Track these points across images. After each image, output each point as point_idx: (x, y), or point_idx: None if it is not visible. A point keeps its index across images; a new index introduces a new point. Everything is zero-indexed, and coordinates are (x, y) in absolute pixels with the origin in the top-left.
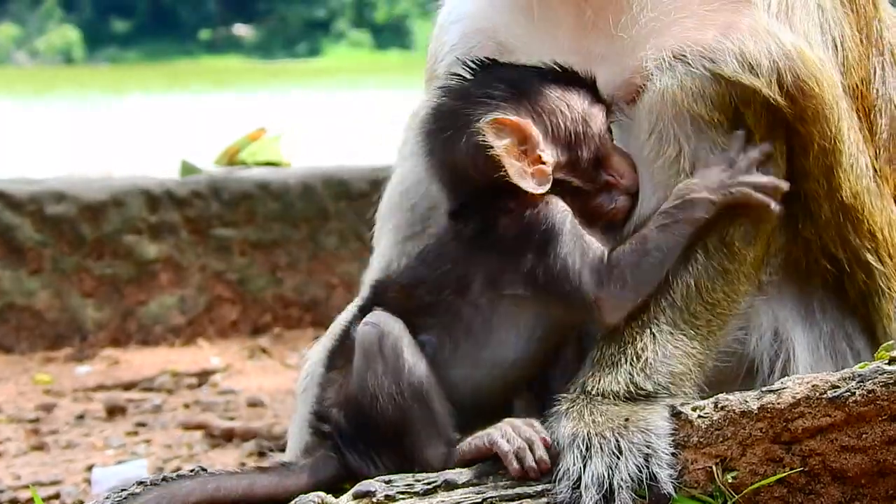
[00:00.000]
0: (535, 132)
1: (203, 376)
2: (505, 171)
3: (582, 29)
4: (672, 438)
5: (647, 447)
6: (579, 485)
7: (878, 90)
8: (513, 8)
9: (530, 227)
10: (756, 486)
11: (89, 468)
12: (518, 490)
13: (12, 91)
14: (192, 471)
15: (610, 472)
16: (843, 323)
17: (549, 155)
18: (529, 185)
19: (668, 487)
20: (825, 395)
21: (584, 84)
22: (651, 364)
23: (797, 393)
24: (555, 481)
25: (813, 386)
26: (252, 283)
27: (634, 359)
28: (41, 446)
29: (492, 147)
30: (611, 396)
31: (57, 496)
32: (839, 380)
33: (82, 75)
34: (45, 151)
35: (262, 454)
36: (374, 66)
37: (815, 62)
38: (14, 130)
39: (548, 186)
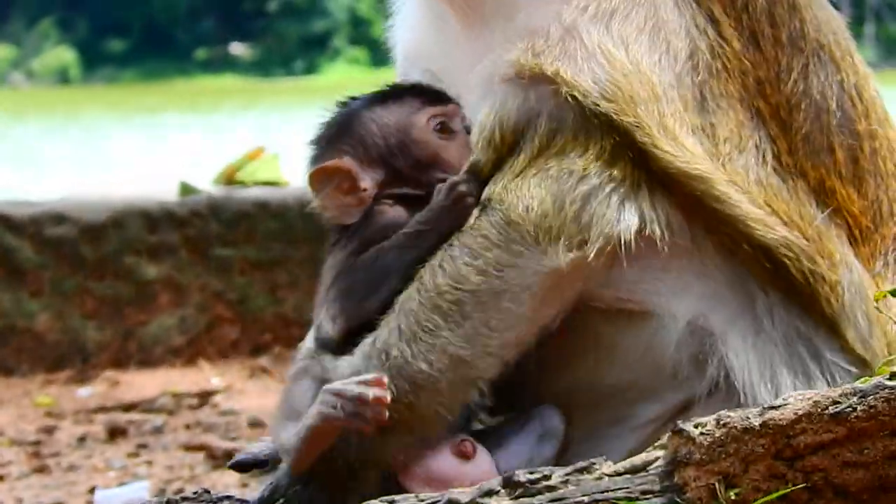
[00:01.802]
0: (351, 165)
1: (204, 397)
2: (328, 211)
3: (475, 39)
4: None
5: None
6: None
7: (793, 88)
8: (428, 31)
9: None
10: (759, 502)
11: (91, 490)
12: None
13: (8, 112)
14: (195, 493)
15: None
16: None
17: (369, 180)
18: (350, 219)
19: None
20: (826, 411)
21: (406, 95)
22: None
23: (799, 409)
24: None
25: (814, 402)
26: (252, 302)
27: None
28: (43, 469)
29: (318, 195)
30: None
31: None
32: (840, 395)
33: (79, 96)
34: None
35: (264, 474)
36: (372, 83)
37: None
38: (11, 152)
39: (360, 214)
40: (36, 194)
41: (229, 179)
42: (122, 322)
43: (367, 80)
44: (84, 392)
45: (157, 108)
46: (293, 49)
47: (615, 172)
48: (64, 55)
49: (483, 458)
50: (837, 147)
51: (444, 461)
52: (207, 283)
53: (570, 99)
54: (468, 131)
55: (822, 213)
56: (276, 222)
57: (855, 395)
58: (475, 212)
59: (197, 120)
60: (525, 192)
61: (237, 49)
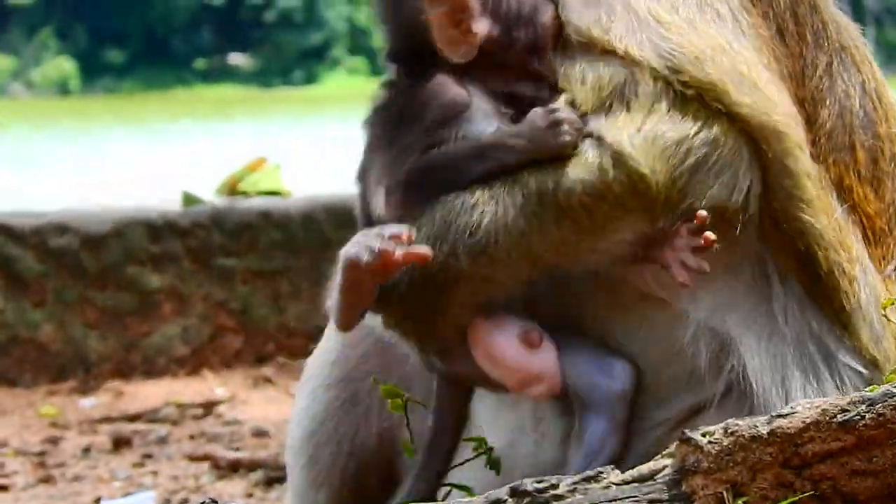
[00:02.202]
0: (473, 2)
1: (208, 407)
2: (434, 36)
3: None
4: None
5: None
6: None
7: (818, 84)
8: None
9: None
10: None
11: (97, 501)
12: None
13: (9, 123)
14: (201, 503)
15: None
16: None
17: (482, 27)
18: (451, 53)
19: None
20: (835, 420)
21: None
22: None
23: (807, 417)
24: None
25: (823, 410)
26: (255, 312)
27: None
28: (48, 479)
29: (426, 10)
30: None
31: None
32: (849, 403)
33: (79, 106)
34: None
35: (269, 484)
36: (372, 92)
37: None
38: (13, 162)
39: (468, 57)
40: (38, 204)
41: (231, 190)
42: (125, 332)
43: (367, 90)
44: (88, 403)
45: (156, 118)
46: (292, 59)
47: (714, 139)
48: (64, 65)
49: (549, 352)
50: (859, 146)
51: (509, 343)
52: (210, 293)
53: (648, 74)
54: None
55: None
56: (278, 232)
57: (863, 403)
58: (590, 149)
59: (197, 129)
60: (644, 153)
61: (236, 59)
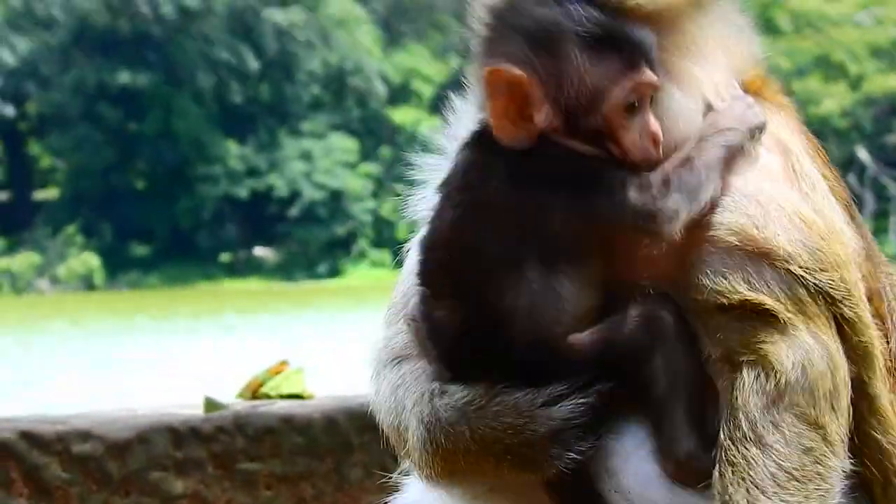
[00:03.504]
0: (535, 91)
1: None
2: (492, 123)
3: None
4: None
5: None
6: None
7: (889, 303)
8: None
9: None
10: None
11: None
12: None
13: (32, 320)
14: None
15: None
16: None
17: (543, 118)
18: (509, 140)
19: None
20: None
21: (625, 49)
22: None
23: None
24: None
25: None
26: None
27: None
28: None
29: (486, 96)
30: None
31: None
32: None
33: (103, 301)
34: (66, 383)
35: None
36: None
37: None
38: (33, 361)
39: (525, 145)
40: (62, 403)
41: (254, 394)
42: None
43: (392, 282)
44: None
45: (180, 313)
46: (316, 252)
47: (838, 347)
48: (88, 261)
49: None
50: None
51: None
52: (234, 498)
53: (794, 273)
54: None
55: None
56: (300, 436)
57: None
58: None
59: (221, 325)
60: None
61: (261, 253)
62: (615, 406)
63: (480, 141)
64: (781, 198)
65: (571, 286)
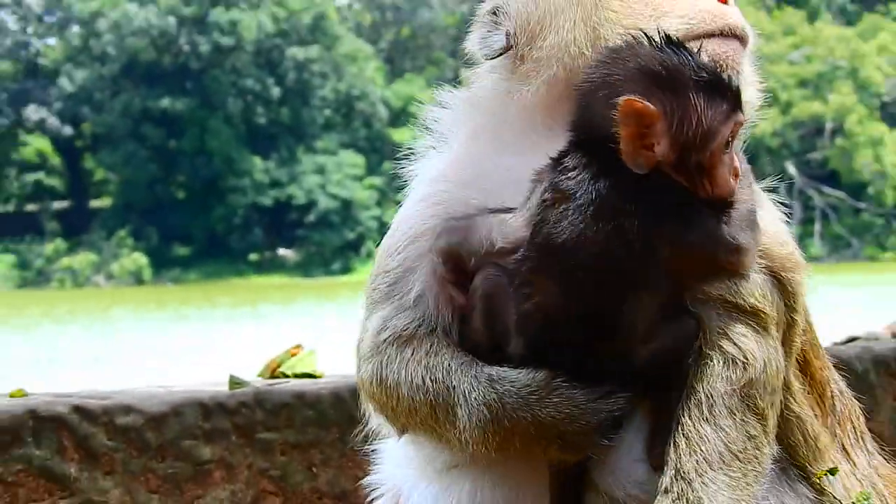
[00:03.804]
0: (660, 126)
1: None
2: (620, 142)
3: None
4: None
5: None
6: None
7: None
8: None
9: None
10: None
11: None
12: None
13: (90, 310)
14: None
15: None
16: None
17: (662, 150)
18: (631, 164)
19: None
20: None
21: (728, 95)
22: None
23: None
24: None
25: None
26: (292, 478)
27: None
28: None
29: (616, 122)
30: None
31: None
32: None
33: (150, 294)
34: (117, 362)
35: None
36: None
37: None
38: (92, 346)
39: (643, 171)
40: (112, 381)
41: (272, 373)
42: (181, 496)
43: None
44: None
45: (215, 305)
46: (330, 253)
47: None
48: (138, 260)
49: None
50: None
51: None
52: (254, 463)
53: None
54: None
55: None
56: (311, 410)
57: None
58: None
59: (248, 314)
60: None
61: (284, 253)
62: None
63: (599, 157)
64: (768, 217)
65: (652, 302)
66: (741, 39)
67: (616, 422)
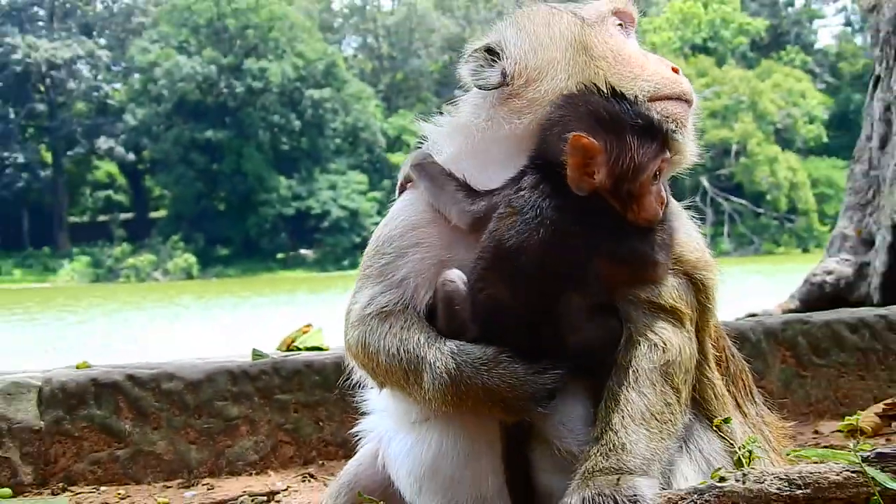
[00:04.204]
0: (600, 158)
1: (270, 496)
2: (566, 168)
3: None
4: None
5: (635, 495)
6: None
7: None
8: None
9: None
10: None
11: None
12: None
13: (150, 300)
14: None
15: None
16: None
17: (600, 178)
18: (575, 188)
19: None
20: None
21: (658, 138)
22: (632, 451)
23: (660, 502)
24: None
25: (668, 498)
26: (303, 430)
27: (620, 449)
28: None
29: (565, 153)
30: (606, 472)
31: None
32: (686, 493)
33: (198, 287)
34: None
35: None
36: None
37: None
38: (152, 328)
39: (584, 193)
40: (162, 355)
41: (287, 347)
42: (214, 446)
43: None
44: (189, 494)
45: (250, 294)
46: (341, 252)
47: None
48: (188, 259)
49: None
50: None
51: None
52: (272, 419)
53: (696, 279)
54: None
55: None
56: (318, 376)
57: (695, 493)
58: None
59: (276, 302)
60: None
61: (304, 252)
62: (568, 380)
63: (549, 180)
64: (684, 229)
65: (582, 302)
66: (689, 102)
67: (550, 394)
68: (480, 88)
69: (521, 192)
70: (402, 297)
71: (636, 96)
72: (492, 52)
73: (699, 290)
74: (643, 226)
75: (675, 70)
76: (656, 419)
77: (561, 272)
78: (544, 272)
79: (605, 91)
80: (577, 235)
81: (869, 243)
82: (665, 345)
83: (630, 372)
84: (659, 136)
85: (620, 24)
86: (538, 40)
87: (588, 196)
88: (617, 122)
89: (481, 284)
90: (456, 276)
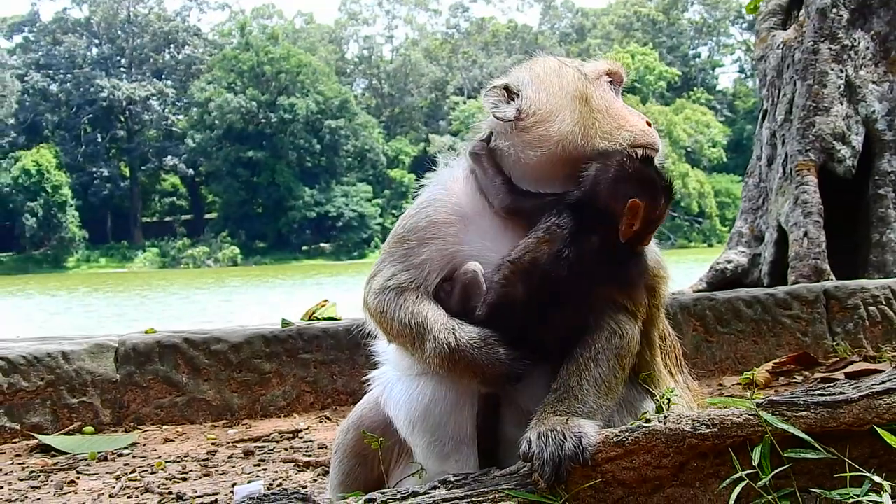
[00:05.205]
0: (642, 214)
1: (295, 433)
2: (621, 224)
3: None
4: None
5: (580, 432)
6: (541, 462)
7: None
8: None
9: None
10: (578, 488)
11: (233, 485)
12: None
13: (204, 282)
14: (286, 489)
15: (558, 450)
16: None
17: (637, 227)
18: (623, 238)
19: (589, 454)
20: (613, 440)
21: (671, 191)
22: (583, 401)
23: (600, 439)
24: (527, 460)
25: (606, 436)
26: (321, 383)
27: (573, 398)
28: (209, 473)
29: (624, 213)
30: (559, 414)
31: (215, 502)
32: (620, 431)
33: (242, 272)
34: (217, 312)
35: (325, 475)
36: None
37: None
38: (204, 304)
39: (624, 240)
40: (210, 323)
41: (309, 317)
42: (252, 394)
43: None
44: (232, 432)
45: (282, 278)
46: (352, 245)
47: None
48: (234, 250)
49: None
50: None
51: None
52: (297, 373)
53: (655, 287)
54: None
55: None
56: (332, 340)
57: (627, 432)
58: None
59: (301, 284)
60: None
61: (323, 245)
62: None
63: (583, 216)
64: (651, 246)
65: (574, 309)
66: (657, 151)
67: (518, 377)
68: (498, 119)
69: (561, 227)
70: (417, 278)
71: (652, 158)
72: (509, 91)
73: (652, 295)
74: (636, 252)
75: (648, 123)
76: (605, 385)
77: (567, 290)
78: (556, 288)
79: (642, 157)
80: (597, 269)
81: (760, 239)
82: (623, 333)
83: (592, 348)
84: (671, 191)
85: (611, 82)
86: (549, 88)
87: (607, 231)
88: (653, 184)
89: (504, 282)
90: (477, 268)
